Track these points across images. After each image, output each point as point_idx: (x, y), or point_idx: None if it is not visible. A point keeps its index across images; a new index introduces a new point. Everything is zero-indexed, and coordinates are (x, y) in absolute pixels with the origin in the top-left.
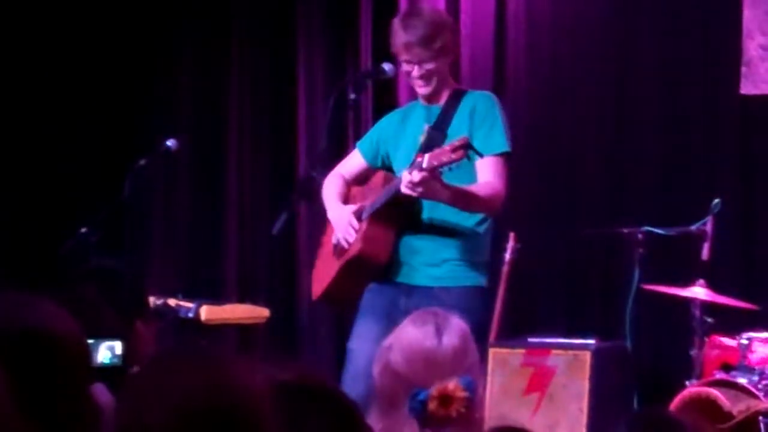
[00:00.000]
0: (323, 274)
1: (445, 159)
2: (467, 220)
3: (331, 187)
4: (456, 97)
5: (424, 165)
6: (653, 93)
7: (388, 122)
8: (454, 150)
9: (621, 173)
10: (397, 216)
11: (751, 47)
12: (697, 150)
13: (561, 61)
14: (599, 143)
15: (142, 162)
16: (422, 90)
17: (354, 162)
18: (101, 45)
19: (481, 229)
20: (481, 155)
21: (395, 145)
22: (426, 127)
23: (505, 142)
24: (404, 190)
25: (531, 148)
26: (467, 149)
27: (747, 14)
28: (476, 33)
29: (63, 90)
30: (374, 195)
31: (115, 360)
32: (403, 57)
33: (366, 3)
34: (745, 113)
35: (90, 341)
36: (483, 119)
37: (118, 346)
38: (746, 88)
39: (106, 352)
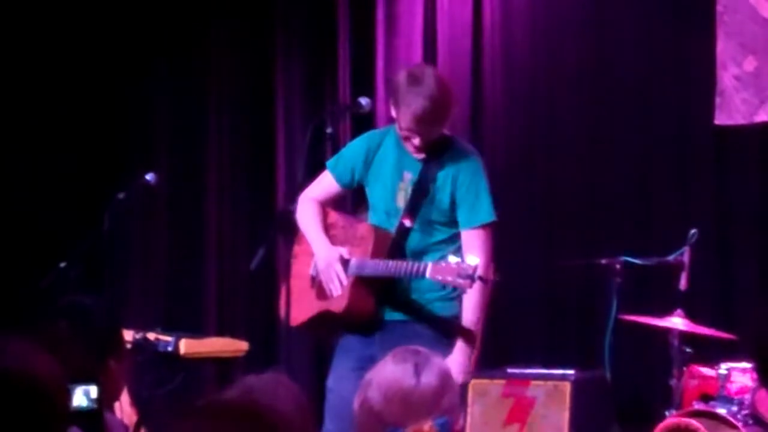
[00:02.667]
0: (303, 303)
1: (449, 279)
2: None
3: (308, 214)
4: (439, 149)
5: (428, 275)
6: (629, 124)
7: (363, 149)
8: (461, 277)
9: (598, 204)
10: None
11: (725, 78)
12: (674, 180)
13: (537, 96)
14: (576, 174)
15: (121, 196)
16: (416, 154)
17: (326, 185)
18: (80, 78)
19: None
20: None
21: (374, 177)
22: (407, 175)
23: (490, 212)
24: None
25: (508, 181)
26: (474, 281)
27: (720, 45)
28: (454, 72)
29: (41, 124)
30: (361, 249)
31: (91, 404)
32: (405, 125)
33: (344, 36)
34: (720, 143)
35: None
36: (467, 190)
37: (93, 390)
38: (721, 119)
39: (82, 396)
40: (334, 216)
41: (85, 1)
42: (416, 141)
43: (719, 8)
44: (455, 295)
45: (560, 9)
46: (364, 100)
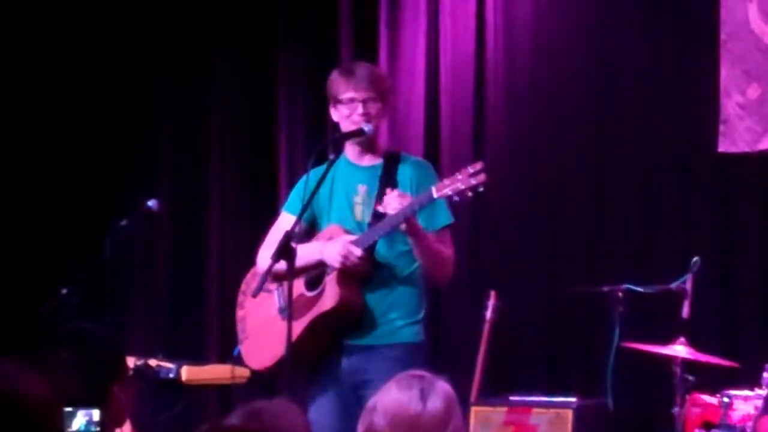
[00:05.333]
0: (270, 342)
1: (462, 186)
2: (409, 278)
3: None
4: (393, 158)
5: (435, 195)
6: (632, 151)
7: (312, 180)
8: (471, 175)
9: (601, 231)
10: (363, 268)
11: (729, 105)
12: (676, 208)
13: (540, 123)
14: (579, 202)
15: (123, 222)
16: (366, 126)
17: (286, 225)
18: (82, 104)
19: (419, 290)
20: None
21: (326, 204)
22: (362, 188)
23: (449, 215)
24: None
25: (511, 208)
26: (486, 172)
27: (724, 73)
28: (456, 99)
29: (43, 150)
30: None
31: (92, 428)
32: (347, 95)
33: (347, 62)
34: (723, 171)
35: (67, 409)
36: None
37: (95, 414)
38: (724, 146)
39: (83, 419)
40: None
41: (88, 25)
42: (360, 109)
43: (723, 36)
44: (419, 319)
45: (563, 36)
46: (366, 126)
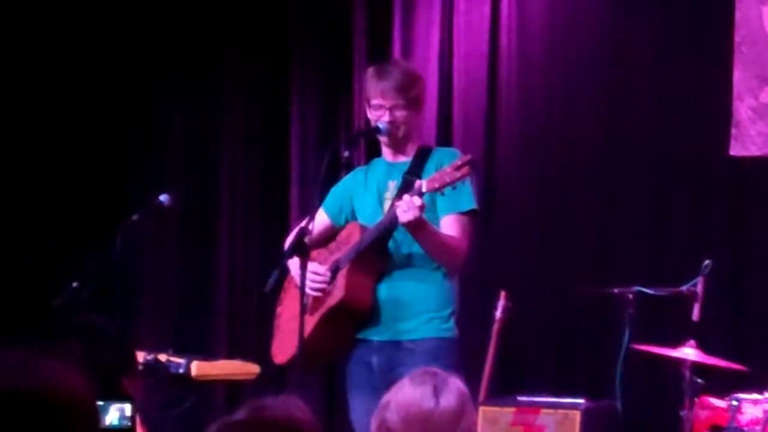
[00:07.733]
0: (292, 337)
1: (448, 179)
2: (435, 272)
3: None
4: (424, 152)
5: (424, 189)
6: (644, 152)
7: (352, 179)
8: (457, 168)
9: (612, 233)
10: (376, 262)
11: (741, 109)
12: (688, 211)
13: (553, 120)
14: (590, 203)
15: (135, 217)
16: (382, 124)
17: (317, 221)
18: (94, 99)
19: (448, 281)
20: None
21: (362, 201)
22: (392, 183)
23: (472, 201)
24: (402, 216)
25: (522, 207)
26: (472, 166)
27: (737, 76)
28: (469, 100)
29: (55, 144)
30: (350, 244)
31: (125, 422)
32: (376, 101)
33: (359, 61)
34: (735, 175)
35: (99, 402)
36: None
37: (127, 408)
38: (736, 150)
39: (116, 413)
40: (314, 252)
41: (102, 26)
42: (386, 117)
43: (737, 39)
44: (448, 313)
45: (576, 37)
46: (382, 124)
